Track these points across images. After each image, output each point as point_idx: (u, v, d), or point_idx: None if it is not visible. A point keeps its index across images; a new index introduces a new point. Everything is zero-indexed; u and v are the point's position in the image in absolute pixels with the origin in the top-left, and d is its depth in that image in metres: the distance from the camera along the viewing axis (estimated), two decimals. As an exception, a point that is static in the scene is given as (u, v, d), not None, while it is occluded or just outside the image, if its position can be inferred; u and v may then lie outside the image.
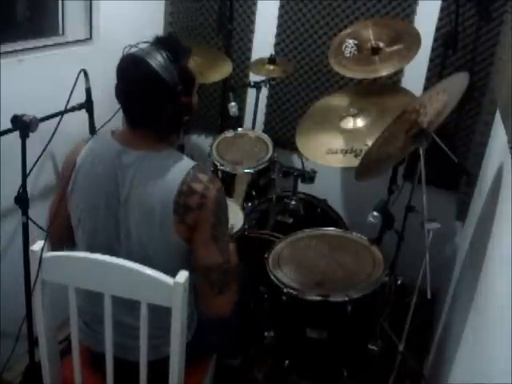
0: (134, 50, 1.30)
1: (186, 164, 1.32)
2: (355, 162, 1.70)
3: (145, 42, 1.33)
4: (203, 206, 1.28)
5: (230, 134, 2.45)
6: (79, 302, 1.29)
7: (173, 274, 1.19)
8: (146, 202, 1.28)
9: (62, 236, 1.44)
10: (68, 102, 1.71)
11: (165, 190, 1.27)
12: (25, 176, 1.66)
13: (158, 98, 1.29)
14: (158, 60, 1.25)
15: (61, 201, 1.40)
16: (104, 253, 1.26)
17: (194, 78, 1.38)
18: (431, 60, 2.40)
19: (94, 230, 1.35)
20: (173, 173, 1.29)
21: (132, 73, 1.27)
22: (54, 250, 1.28)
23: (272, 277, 1.76)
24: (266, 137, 2.42)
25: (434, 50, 2.37)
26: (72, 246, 1.42)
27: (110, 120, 1.38)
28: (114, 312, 1.24)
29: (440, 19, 2.33)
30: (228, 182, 2.23)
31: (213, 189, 1.30)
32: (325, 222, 2.22)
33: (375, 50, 2.06)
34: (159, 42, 1.32)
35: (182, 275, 1.18)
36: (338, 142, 1.96)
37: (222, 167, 2.25)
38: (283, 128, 2.83)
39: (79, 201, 1.35)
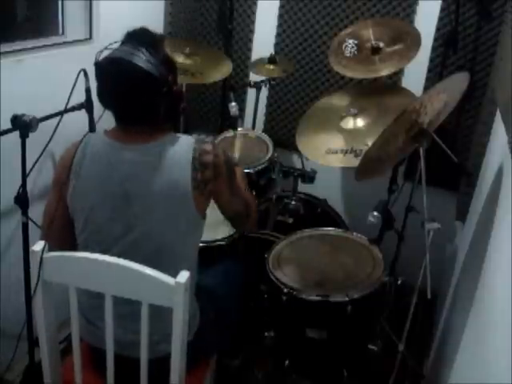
0: (107, 52, 1.29)
1: (187, 141, 1.35)
2: (355, 162, 1.69)
3: (116, 42, 1.31)
4: (218, 174, 1.35)
5: (229, 133, 2.44)
6: (79, 296, 1.28)
7: (185, 262, 1.23)
8: (158, 190, 1.28)
9: (59, 237, 1.43)
10: (68, 101, 1.70)
11: (178, 171, 1.29)
12: (25, 176, 1.66)
13: (152, 93, 1.29)
14: (141, 57, 1.25)
15: (57, 203, 1.39)
16: (110, 249, 1.28)
17: (175, 64, 1.39)
18: (431, 60, 2.40)
19: (100, 227, 1.35)
20: (179, 154, 1.31)
21: (120, 77, 1.26)
22: (51, 251, 1.27)
23: (272, 277, 1.76)
24: (266, 137, 2.42)
25: (434, 49, 2.37)
26: (70, 247, 1.42)
27: (100, 117, 1.38)
28: (115, 307, 1.24)
29: (440, 19, 2.33)
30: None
31: (220, 154, 1.36)
32: (325, 221, 2.22)
33: (375, 50, 2.05)
34: (132, 38, 1.31)
35: (183, 275, 1.17)
36: (338, 142, 1.96)
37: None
38: (283, 128, 2.83)
39: (84, 201, 1.35)
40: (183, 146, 1.32)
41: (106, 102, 1.32)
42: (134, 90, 1.27)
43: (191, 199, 1.30)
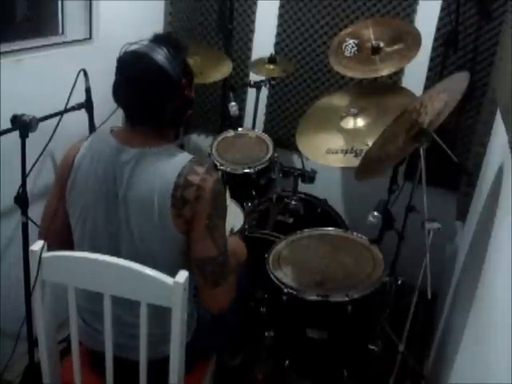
0: (133, 46, 1.31)
1: (182, 158, 1.32)
2: (355, 162, 1.69)
3: (143, 40, 1.33)
4: (199, 197, 1.27)
5: (230, 133, 2.44)
6: (78, 298, 1.28)
7: (177, 270, 1.19)
8: (145, 198, 1.28)
9: (59, 237, 1.43)
10: (68, 101, 1.71)
11: (162, 184, 1.27)
12: (24, 176, 1.66)
13: (164, 92, 1.30)
14: (161, 55, 1.27)
15: (59, 201, 1.40)
16: (106, 250, 1.27)
17: (193, 72, 1.41)
18: (432, 59, 2.40)
19: (95, 227, 1.34)
20: (170, 167, 1.29)
21: (137, 68, 1.28)
22: (50, 250, 1.27)
23: (272, 277, 1.76)
24: (266, 137, 2.42)
25: (434, 49, 2.37)
26: (69, 246, 1.41)
27: (107, 119, 1.38)
28: (114, 310, 1.24)
29: (440, 19, 2.33)
30: (228, 182, 2.23)
31: (210, 180, 1.29)
32: (325, 221, 2.22)
33: (375, 50, 2.05)
34: (158, 39, 1.33)
35: (182, 275, 1.17)
36: (338, 142, 1.96)
37: (221, 167, 2.25)
38: (283, 128, 2.83)
39: (79, 197, 1.35)
40: (176, 160, 1.30)
41: (119, 97, 1.32)
42: (148, 83, 1.28)
43: (169, 215, 1.27)
